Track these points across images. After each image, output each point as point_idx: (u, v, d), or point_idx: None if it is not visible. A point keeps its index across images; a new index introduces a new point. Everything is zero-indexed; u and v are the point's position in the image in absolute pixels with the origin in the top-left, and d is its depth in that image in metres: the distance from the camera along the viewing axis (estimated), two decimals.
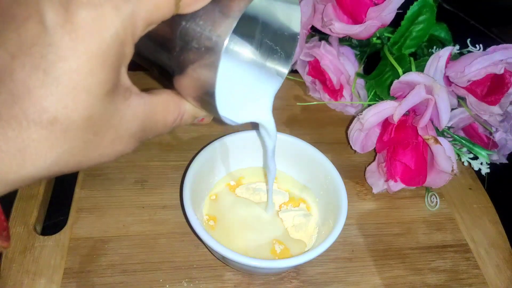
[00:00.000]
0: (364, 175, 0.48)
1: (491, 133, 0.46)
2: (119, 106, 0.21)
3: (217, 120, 0.27)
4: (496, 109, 0.43)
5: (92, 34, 0.18)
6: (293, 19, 0.28)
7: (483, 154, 0.42)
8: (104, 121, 0.20)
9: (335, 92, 0.53)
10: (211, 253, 0.38)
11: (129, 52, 0.20)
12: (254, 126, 0.51)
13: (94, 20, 0.18)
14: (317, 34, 0.55)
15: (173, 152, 0.47)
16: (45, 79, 0.17)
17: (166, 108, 0.24)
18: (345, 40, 0.54)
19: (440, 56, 0.44)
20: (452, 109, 0.46)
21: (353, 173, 0.48)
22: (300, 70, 0.56)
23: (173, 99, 0.25)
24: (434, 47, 0.47)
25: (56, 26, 0.17)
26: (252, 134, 0.42)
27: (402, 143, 0.42)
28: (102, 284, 0.36)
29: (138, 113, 0.22)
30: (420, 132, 0.41)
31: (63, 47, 0.18)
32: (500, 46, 0.42)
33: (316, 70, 0.53)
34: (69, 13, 0.17)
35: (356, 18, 0.48)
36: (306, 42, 0.53)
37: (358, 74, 0.51)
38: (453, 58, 0.45)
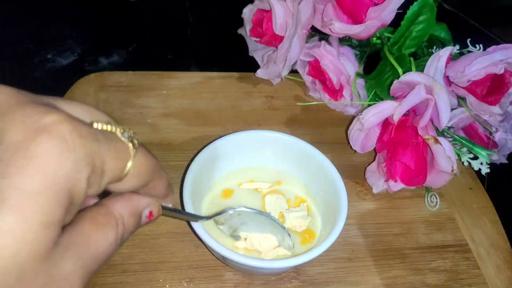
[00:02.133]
0: (364, 175, 0.48)
1: (491, 133, 0.46)
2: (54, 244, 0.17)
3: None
4: (496, 109, 0.43)
5: (49, 159, 0.16)
6: None
7: (483, 154, 0.42)
8: (34, 260, 0.16)
9: (335, 92, 0.53)
10: (211, 253, 0.38)
11: (80, 195, 0.18)
12: (254, 126, 0.52)
13: (57, 147, 0.16)
14: (317, 34, 0.55)
15: (173, 152, 0.47)
16: None
17: (97, 225, 0.20)
18: (345, 40, 0.54)
19: (440, 56, 0.44)
20: (452, 109, 0.46)
21: (353, 173, 0.48)
22: (300, 70, 0.56)
23: (99, 211, 0.20)
24: (434, 47, 0.47)
25: (14, 144, 0.16)
26: (253, 134, 0.42)
27: (402, 143, 0.42)
28: (102, 284, 0.36)
29: (71, 249, 0.18)
30: (420, 132, 0.41)
31: (12, 165, 0.16)
32: (500, 46, 0.42)
33: (316, 70, 0.53)
34: (34, 137, 0.16)
35: (356, 18, 0.48)
36: (306, 42, 0.53)
37: (358, 74, 0.51)
38: (453, 58, 0.45)
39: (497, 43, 0.43)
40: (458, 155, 0.43)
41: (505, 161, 0.49)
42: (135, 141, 0.20)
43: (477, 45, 0.44)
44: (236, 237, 0.37)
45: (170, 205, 0.26)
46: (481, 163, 0.42)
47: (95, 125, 0.19)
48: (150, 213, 0.23)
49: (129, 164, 0.20)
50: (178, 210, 0.28)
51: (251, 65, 0.58)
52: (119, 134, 0.20)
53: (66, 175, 0.16)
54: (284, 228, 0.36)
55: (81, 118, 0.19)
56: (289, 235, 0.36)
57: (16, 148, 0.16)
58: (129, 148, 0.20)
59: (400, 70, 0.45)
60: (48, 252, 0.16)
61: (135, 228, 0.23)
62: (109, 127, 0.20)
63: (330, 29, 0.49)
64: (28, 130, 0.16)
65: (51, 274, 0.17)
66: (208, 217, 0.34)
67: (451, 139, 0.43)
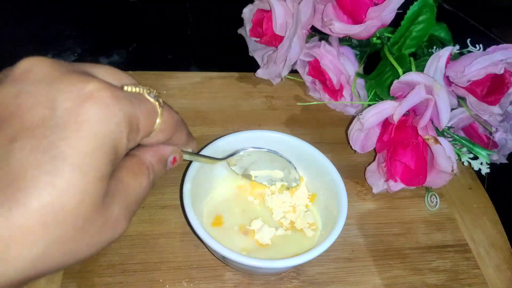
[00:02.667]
0: (364, 175, 0.48)
1: (491, 133, 0.46)
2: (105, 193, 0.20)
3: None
4: (496, 109, 0.43)
5: (98, 122, 0.19)
6: None
7: (483, 154, 0.42)
8: (94, 207, 0.19)
9: (335, 92, 0.53)
10: (211, 253, 0.38)
11: (122, 150, 0.20)
12: (254, 126, 0.52)
13: (102, 112, 0.19)
14: (317, 34, 0.55)
15: None
16: (43, 158, 0.17)
17: (133, 174, 0.23)
18: (345, 40, 0.54)
19: (440, 56, 0.44)
20: (452, 109, 0.46)
21: (353, 173, 0.48)
22: (300, 70, 0.57)
23: (133, 161, 0.23)
24: (434, 47, 0.47)
25: (66, 110, 0.18)
26: (253, 134, 0.42)
27: (402, 143, 0.42)
28: (102, 284, 0.36)
29: (116, 196, 0.21)
30: (420, 132, 0.41)
31: (68, 128, 0.18)
32: (500, 46, 0.42)
33: (316, 70, 0.53)
34: (82, 103, 0.19)
35: (356, 18, 0.48)
36: (306, 42, 0.53)
37: (358, 74, 0.51)
38: (453, 58, 0.45)
39: (497, 43, 0.43)
40: (458, 155, 0.43)
41: (505, 161, 0.49)
42: (160, 100, 0.23)
43: (477, 45, 0.44)
44: (247, 176, 0.41)
45: (190, 150, 0.29)
46: (481, 163, 0.42)
47: (125, 88, 0.22)
48: (174, 158, 0.26)
49: (158, 120, 0.23)
50: (196, 153, 0.31)
51: (251, 65, 0.58)
52: (146, 95, 0.22)
53: (112, 135, 0.19)
54: (290, 162, 0.38)
55: (111, 81, 0.21)
56: (295, 168, 0.39)
57: (69, 114, 0.18)
58: (157, 107, 0.22)
59: (400, 70, 0.45)
60: (102, 200, 0.20)
61: (162, 173, 0.26)
62: (137, 89, 0.22)
63: (330, 29, 0.49)
64: (75, 97, 0.19)
65: (105, 217, 0.20)
66: (222, 159, 0.37)
67: (451, 139, 0.43)
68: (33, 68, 0.20)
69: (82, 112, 0.18)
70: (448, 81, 0.45)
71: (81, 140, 0.18)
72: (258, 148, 0.37)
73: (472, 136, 0.48)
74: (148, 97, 0.22)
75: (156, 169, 0.25)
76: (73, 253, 0.19)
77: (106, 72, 0.22)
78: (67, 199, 0.18)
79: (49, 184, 0.17)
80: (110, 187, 0.20)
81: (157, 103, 0.22)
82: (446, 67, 0.44)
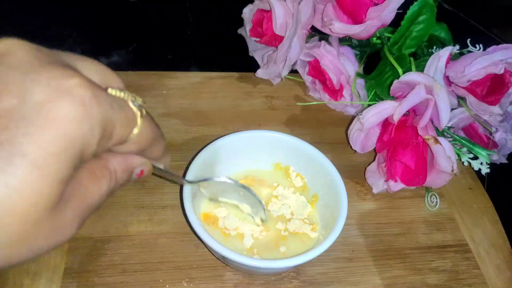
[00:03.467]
0: (364, 175, 0.48)
1: (491, 133, 0.46)
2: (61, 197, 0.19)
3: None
4: (496, 109, 0.43)
5: (70, 122, 0.17)
6: None
7: (483, 154, 0.42)
8: (46, 211, 0.18)
9: (335, 92, 0.53)
10: (211, 253, 0.38)
11: (89, 155, 0.19)
12: (254, 126, 0.52)
13: (77, 111, 0.17)
14: (317, 34, 0.55)
15: (173, 152, 0.47)
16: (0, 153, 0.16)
17: (94, 177, 0.21)
18: (345, 40, 0.54)
19: (440, 56, 0.44)
20: (452, 109, 0.46)
21: (353, 173, 0.48)
22: (300, 70, 0.57)
23: (96, 163, 0.22)
24: (434, 47, 0.47)
25: (37, 104, 0.17)
26: (253, 134, 0.42)
27: (402, 143, 0.42)
28: (102, 284, 0.36)
29: (71, 200, 0.20)
30: (420, 132, 0.41)
31: (35, 123, 0.17)
32: (500, 46, 0.42)
33: (316, 70, 0.53)
34: (56, 98, 0.17)
35: (356, 18, 0.48)
36: (306, 42, 0.53)
37: (358, 74, 0.51)
38: (453, 58, 0.45)
39: (497, 43, 0.43)
40: (458, 155, 0.43)
41: (505, 161, 0.49)
42: (143, 111, 0.22)
43: (477, 45, 0.44)
44: (214, 201, 0.39)
45: (161, 166, 0.28)
46: (481, 163, 0.42)
47: (109, 90, 0.20)
48: (141, 171, 0.25)
49: (135, 131, 0.21)
50: (166, 171, 0.29)
51: (251, 65, 0.58)
52: (130, 103, 0.21)
53: (82, 138, 0.18)
54: (260, 202, 0.37)
55: (96, 80, 0.20)
56: (264, 210, 0.38)
57: (40, 108, 0.17)
58: (137, 117, 0.21)
59: (400, 70, 0.45)
60: (57, 204, 0.18)
61: (125, 183, 0.24)
62: (122, 94, 0.21)
63: (330, 29, 0.49)
64: (52, 91, 0.17)
65: (56, 222, 0.19)
66: (192, 182, 0.36)
67: (451, 139, 0.43)
68: (11, 52, 0.18)
69: (54, 108, 0.17)
70: (448, 81, 0.45)
71: (47, 138, 0.17)
72: (232, 180, 0.36)
73: (472, 136, 0.48)
74: (131, 105, 0.21)
75: (119, 178, 0.23)
76: (12, 257, 0.18)
77: (94, 69, 0.21)
78: (18, 201, 0.16)
79: (1, 182, 0.16)
80: (67, 189, 0.19)
81: (138, 113, 0.21)
82: (446, 67, 0.44)
